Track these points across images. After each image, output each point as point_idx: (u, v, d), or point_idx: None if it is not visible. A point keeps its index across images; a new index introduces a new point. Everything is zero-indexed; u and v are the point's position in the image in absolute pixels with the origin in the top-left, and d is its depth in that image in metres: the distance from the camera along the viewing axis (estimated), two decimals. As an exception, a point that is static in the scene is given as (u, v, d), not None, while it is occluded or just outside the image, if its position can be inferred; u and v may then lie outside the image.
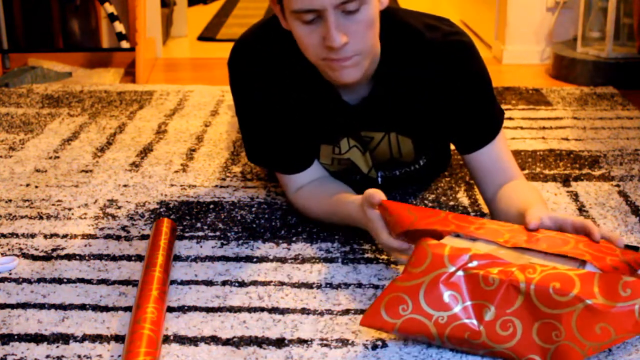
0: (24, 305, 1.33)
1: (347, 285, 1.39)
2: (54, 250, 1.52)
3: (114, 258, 1.50)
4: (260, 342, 1.22)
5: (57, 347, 1.21)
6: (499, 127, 1.58)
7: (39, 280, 1.41)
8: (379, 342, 1.21)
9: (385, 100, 1.54)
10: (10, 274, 1.43)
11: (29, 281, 1.41)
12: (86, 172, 1.93)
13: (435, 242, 1.21)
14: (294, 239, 1.57)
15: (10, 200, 1.76)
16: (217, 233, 1.60)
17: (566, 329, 1.11)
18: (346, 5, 1.34)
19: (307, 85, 1.52)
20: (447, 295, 1.15)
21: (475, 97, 1.54)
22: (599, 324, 1.10)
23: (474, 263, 1.16)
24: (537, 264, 1.17)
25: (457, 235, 1.27)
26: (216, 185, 1.85)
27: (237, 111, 1.62)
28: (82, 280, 1.41)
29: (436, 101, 1.53)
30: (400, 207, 1.34)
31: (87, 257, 1.50)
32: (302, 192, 1.63)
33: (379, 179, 1.68)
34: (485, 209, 1.69)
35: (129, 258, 1.50)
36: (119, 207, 1.72)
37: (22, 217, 1.67)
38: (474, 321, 1.14)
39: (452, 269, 1.16)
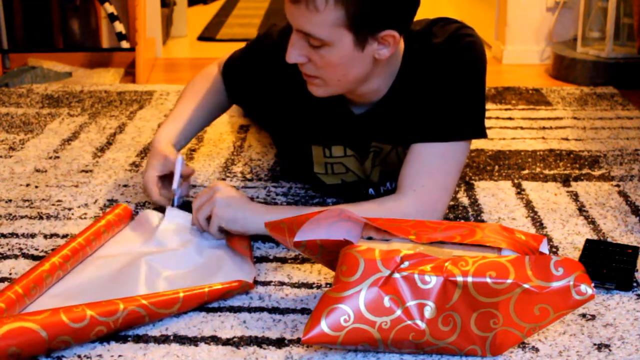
0: (24, 305, 1.33)
1: (347, 285, 1.39)
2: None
3: (114, 258, 1.50)
4: (260, 342, 1.23)
5: (57, 347, 1.21)
6: (454, 135, 1.50)
7: (39, 280, 1.41)
8: (379, 342, 1.21)
9: (390, 114, 1.54)
10: (10, 274, 1.43)
11: (29, 281, 1.41)
12: (86, 172, 1.93)
13: (363, 247, 1.19)
14: (294, 239, 1.57)
15: (10, 200, 1.76)
16: (217, 233, 1.60)
17: (504, 315, 1.15)
18: (309, 39, 1.38)
19: None
20: (387, 300, 1.15)
21: (453, 91, 1.49)
22: (538, 305, 1.14)
23: (406, 263, 1.16)
24: (466, 255, 1.18)
25: (369, 238, 1.27)
26: (216, 185, 1.85)
27: (245, 47, 1.70)
28: (82, 280, 1.41)
29: (430, 101, 1.52)
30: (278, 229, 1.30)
31: (87, 257, 1.50)
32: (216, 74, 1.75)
33: (382, 190, 1.67)
34: (485, 210, 1.69)
35: (129, 258, 1.49)
36: (119, 207, 1.72)
37: (22, 217, 1.67)
38: (418, 321, 1.15)
39: (387, 272, 1.15)
